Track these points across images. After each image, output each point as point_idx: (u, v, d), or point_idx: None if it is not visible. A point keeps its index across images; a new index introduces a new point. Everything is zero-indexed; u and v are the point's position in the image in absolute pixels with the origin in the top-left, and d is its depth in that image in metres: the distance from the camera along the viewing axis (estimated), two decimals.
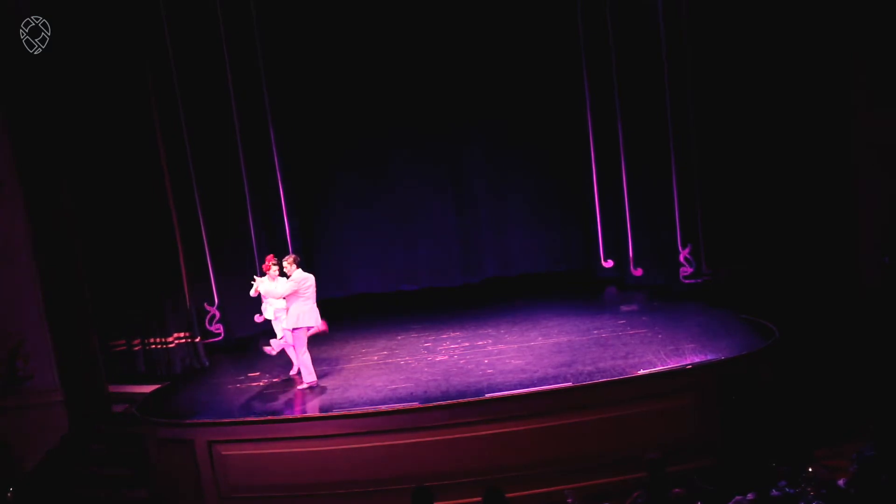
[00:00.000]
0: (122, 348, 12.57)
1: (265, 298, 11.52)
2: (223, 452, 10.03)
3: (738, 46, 12.17)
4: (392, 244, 14.89)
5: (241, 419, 10.32)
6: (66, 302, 11.80)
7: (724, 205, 12.62)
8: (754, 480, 7.97)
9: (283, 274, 11.16)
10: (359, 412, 9.95)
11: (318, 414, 10.18)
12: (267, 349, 11.24)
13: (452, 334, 12.74)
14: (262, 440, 10.00)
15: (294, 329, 10.91)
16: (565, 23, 13.92)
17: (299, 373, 11.25)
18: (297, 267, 10.90)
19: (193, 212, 12.80)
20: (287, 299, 10.94)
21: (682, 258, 13.04)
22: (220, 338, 13.20)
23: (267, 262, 11.49)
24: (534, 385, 10.10)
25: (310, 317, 10.86)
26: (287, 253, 14.01)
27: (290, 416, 10.20)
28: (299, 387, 11.12)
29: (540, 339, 12.00)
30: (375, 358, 12.07)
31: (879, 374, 10.63)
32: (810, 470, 7.50)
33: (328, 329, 11.25)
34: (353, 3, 14.15)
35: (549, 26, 14.11)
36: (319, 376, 11.27)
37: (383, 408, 9.98)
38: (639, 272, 13.95)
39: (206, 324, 13.10)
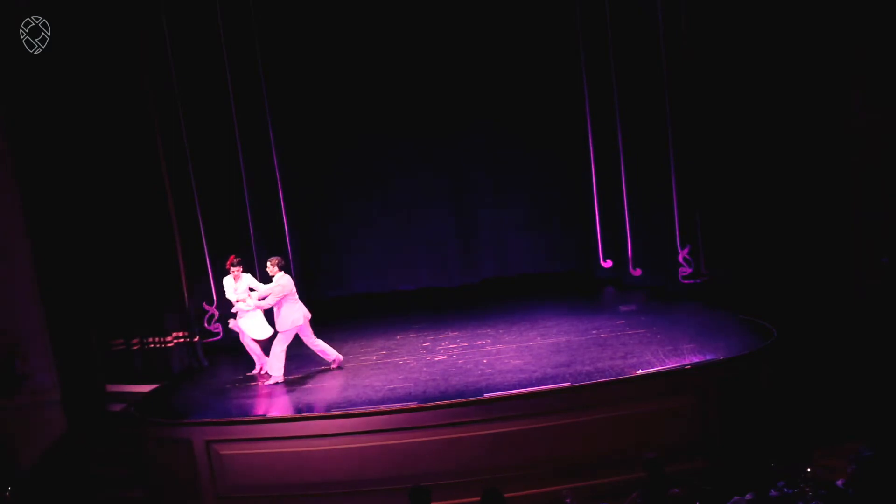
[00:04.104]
0: (121, 347, 12.55)
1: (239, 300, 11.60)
2: (221, 452, 10.02)
3: (738, 47, 12.16)
4: (391, 244, 14.90)
5: (240, 418, 10.31)
6: (64, 301, 11.79)
7: (723, 205, 12.61)
8: (753, 481, 7.99)
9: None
10: (357, 412, 9.94)
11: (316, 413, 10.17)
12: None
13: (451, 334, 12.74)
14: (261, 440, 9.99)
15: (285, 330, 11.21)
16: (565, 22, 13.93)
17: (263, 371, 11.66)
18: (280, 270, 11.18)
19: (192, 210, 12.79)
20: (277, 302, 11.17)
21: (680, 258, 13.04)
22: (219, 337, 13.16)
23: (228, 263, 11.58)
24: (532, 385, 10.09)
25: (298, 314, 11.22)
26: (285, 252, 14.09)
27: (289, 416, 10.19)
28: (266, 382, 11.41)
29: (538, 339, 12.00)
30: (374, 358, 12.07)
31: (878, 374, 10.63)
32: (809, 470, 7.51)
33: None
34: (353, 7, 14.15)
35: (548, 26, 14.13)
36: (318, 375, 11.38)
37: (382, 407, 9.97)
38: (637, 272, 13.95)
39: (205, 323, 13.09)
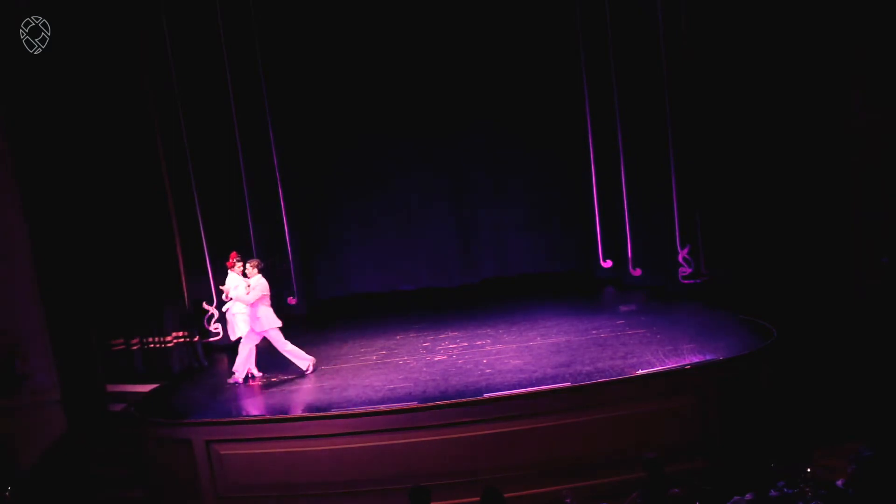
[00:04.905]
0: (121, 347, 12.58)
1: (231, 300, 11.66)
2: (221, 452, 10.03)
3: (738, 47, 12.17)
4: (391, 244, 14.90)
5: (239, 418, 10.34)
6: (64, 301, 11.79)
7: (723, 205, 12.61)
8: (753, 481, 7.98)
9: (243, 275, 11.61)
10: (357, 412, 9.94)
11: (315, 413, 10.16)
12: (233, 379, 11.62)
13: (451, 334, 12.74)
14: (260, 440, 9.99)
15: (268, 329, 11.35)
16: (565, 22, 13.92)
17: (249, 376, 11.61)
18: (259, 272, 11.35)
19: (192, 210, 12.81)
20: (254, 303, 11.30)
21: (680, 258, 13.04)
22: (219, 337, 13.18)
23: (231, 260, 11.62)
24: (532, 385, 10.09)
25: (274, 316, 11.41)
26: (285, 252, 14.10)
27: (288, 416, 10.19)
28: (229, 381, 11.52)
29: (538, 339, 12.00)
30: (374, 358, 12.06)
31: (878, 374, 10.63)
32: (808, 470, 7.50)
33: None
34: (353, 7, 14.15)
35: (548, 26, 14.12)
36: (317, 375, 11.39)
37: (382, 407, 9.97)
38: (637, 272, 13.95)
39: (205, 323, 13.10)
